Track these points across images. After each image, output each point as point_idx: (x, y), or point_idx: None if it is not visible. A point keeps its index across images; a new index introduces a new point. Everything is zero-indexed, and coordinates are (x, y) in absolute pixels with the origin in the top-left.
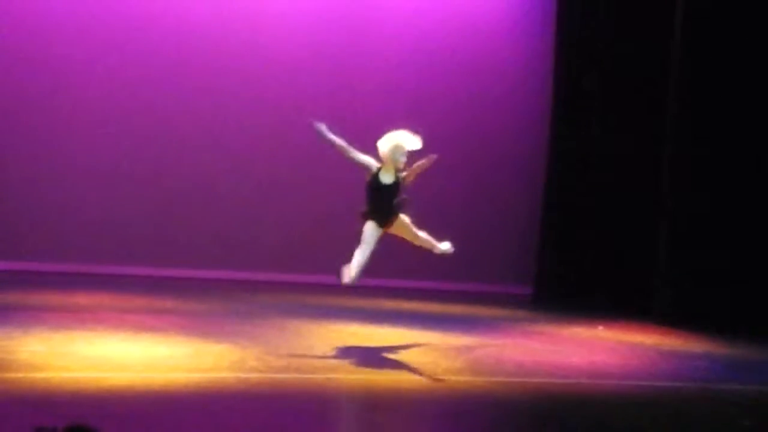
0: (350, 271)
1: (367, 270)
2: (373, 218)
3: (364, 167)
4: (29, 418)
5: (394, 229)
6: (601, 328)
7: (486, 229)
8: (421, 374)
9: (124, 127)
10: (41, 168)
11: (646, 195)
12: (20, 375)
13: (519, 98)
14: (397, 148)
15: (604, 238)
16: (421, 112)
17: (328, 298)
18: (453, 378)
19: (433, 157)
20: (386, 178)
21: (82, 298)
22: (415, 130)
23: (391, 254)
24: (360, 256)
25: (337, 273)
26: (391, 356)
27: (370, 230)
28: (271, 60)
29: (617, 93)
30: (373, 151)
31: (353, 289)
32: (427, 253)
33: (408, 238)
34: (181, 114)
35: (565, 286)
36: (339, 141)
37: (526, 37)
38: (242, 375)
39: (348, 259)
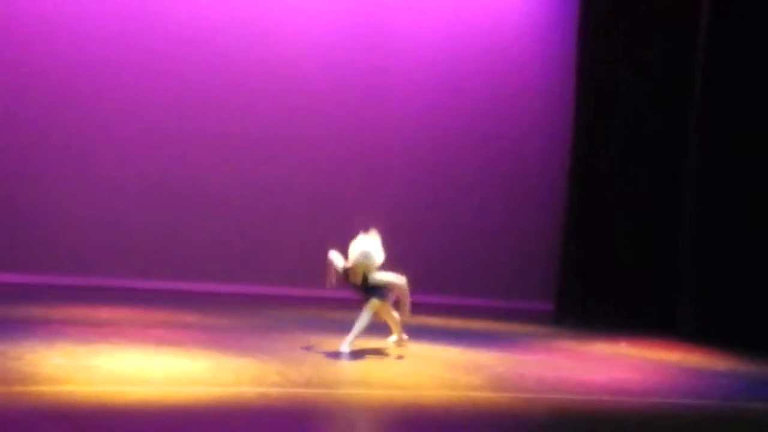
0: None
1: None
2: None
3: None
4: (53, 430)
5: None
6: (623, 344)
7: (508, 246)
8: (442, 390)
9: (147, 143)
10: (65, 183)
11: (668, 210)
12: (44, 388)
13: (541, 117)
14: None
15: (627, 254)
16: (443, 129)
17: (349, 312)
18: (474, 394)
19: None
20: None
21: (104, 313)
22: (438, 148)
23: (412, 270)
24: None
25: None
26: (412, 371)
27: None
28: (290, 72)
29: (640, 110)
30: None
31: None
32: (448, 268)
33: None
34: (206, 130)
35: (587, 302)
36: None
37: (549, 54)
38: (263, 389)
39: None
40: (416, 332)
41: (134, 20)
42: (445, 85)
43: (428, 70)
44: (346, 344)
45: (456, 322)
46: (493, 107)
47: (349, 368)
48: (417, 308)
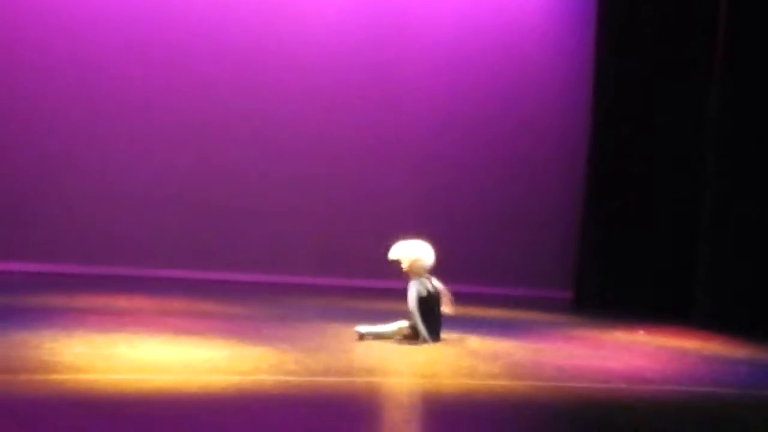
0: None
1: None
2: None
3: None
4: (74, 418)
5: None
6: (641, 332)
7: (526, 234)
8: (460, 378)
9: (166, 134)
10: (84, 173)
11: (687, 198)
12: (65, 376)
13: (559, 102)
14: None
15: (645, 242)
16: (459, 117)
17: (367, 301)
18: (492, 382)
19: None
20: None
21: (124, 301)
22: (455, 135)
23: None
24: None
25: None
26: (430, 359)
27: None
28: (305, 60)
29: (659, 95)
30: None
31: (393, 292)
32: (466, 256)
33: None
34: (222, 119)
35: (606, 291)
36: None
37: (567, 36)
38: (281, 378)
39: (385, 261)
40: None
41: (146, 12)
42: (461, 72)
43: (445, 57)
44: (366, 329)
45: (474, 311)
46: (510, 94)
47: (367, 357)
48: None
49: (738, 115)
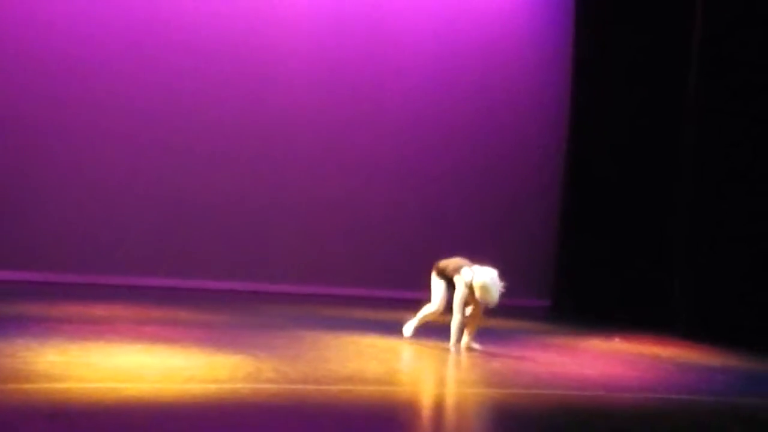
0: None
1: (385, 282)
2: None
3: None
4: (46, 428)
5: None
6: (617, 339)
7: (504, 242)
8: (438, 386)
9: (143, 139)
10: (61, 181)
11: (664, 208)
12: (38, 386)
13: (538, 115)
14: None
15: (622, 251)
16: (439, 127)
17: (345, 309)
18: (470, 390)
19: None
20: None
21: (99, 310)
22: (434, 145)
23: (408, 266)
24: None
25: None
26: (408, 367)
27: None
28: (290, 68)
29: (635, 103)
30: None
31: (371, 301)
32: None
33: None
34: (200, 126)
35: (583, 299)
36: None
37: (545, 49)
38: (258, 386)
39: (361, 270)
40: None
41: (134, 20)
42: (439, 84)
43: (424, 66)
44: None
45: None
46: (490, 107)
47: (345, 365)
48: (412, 305)
49: (716, 124)
